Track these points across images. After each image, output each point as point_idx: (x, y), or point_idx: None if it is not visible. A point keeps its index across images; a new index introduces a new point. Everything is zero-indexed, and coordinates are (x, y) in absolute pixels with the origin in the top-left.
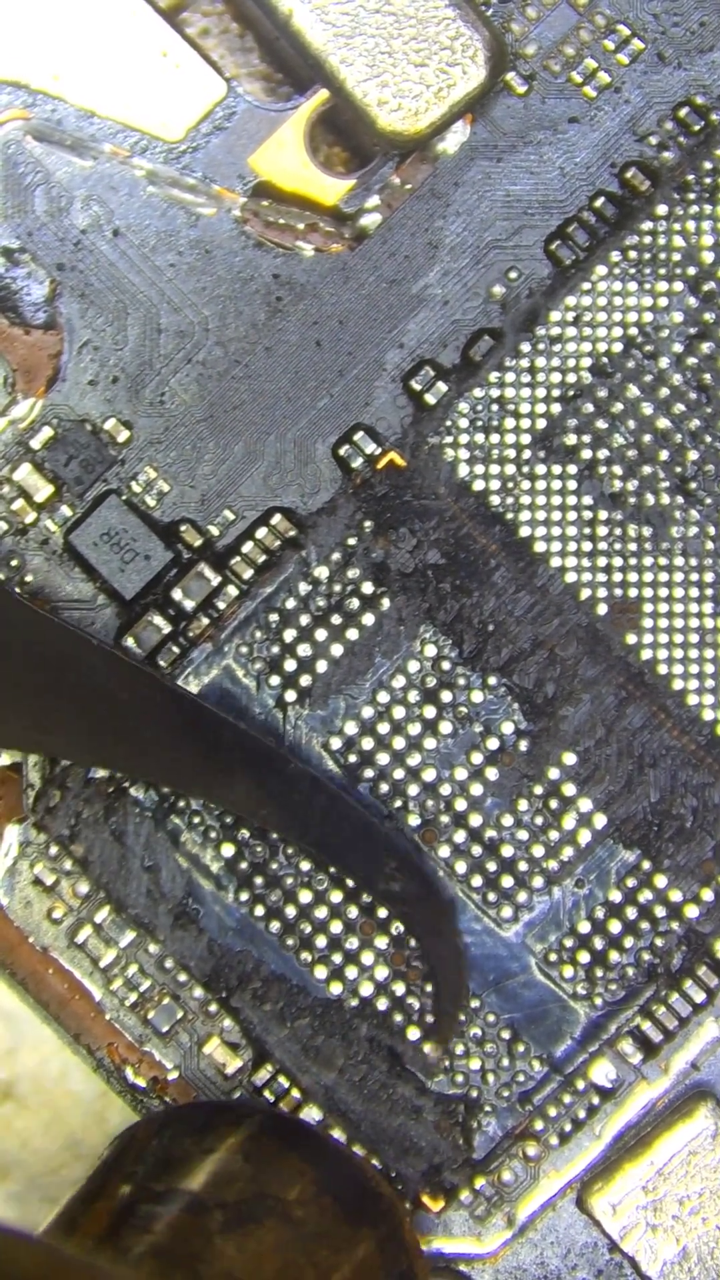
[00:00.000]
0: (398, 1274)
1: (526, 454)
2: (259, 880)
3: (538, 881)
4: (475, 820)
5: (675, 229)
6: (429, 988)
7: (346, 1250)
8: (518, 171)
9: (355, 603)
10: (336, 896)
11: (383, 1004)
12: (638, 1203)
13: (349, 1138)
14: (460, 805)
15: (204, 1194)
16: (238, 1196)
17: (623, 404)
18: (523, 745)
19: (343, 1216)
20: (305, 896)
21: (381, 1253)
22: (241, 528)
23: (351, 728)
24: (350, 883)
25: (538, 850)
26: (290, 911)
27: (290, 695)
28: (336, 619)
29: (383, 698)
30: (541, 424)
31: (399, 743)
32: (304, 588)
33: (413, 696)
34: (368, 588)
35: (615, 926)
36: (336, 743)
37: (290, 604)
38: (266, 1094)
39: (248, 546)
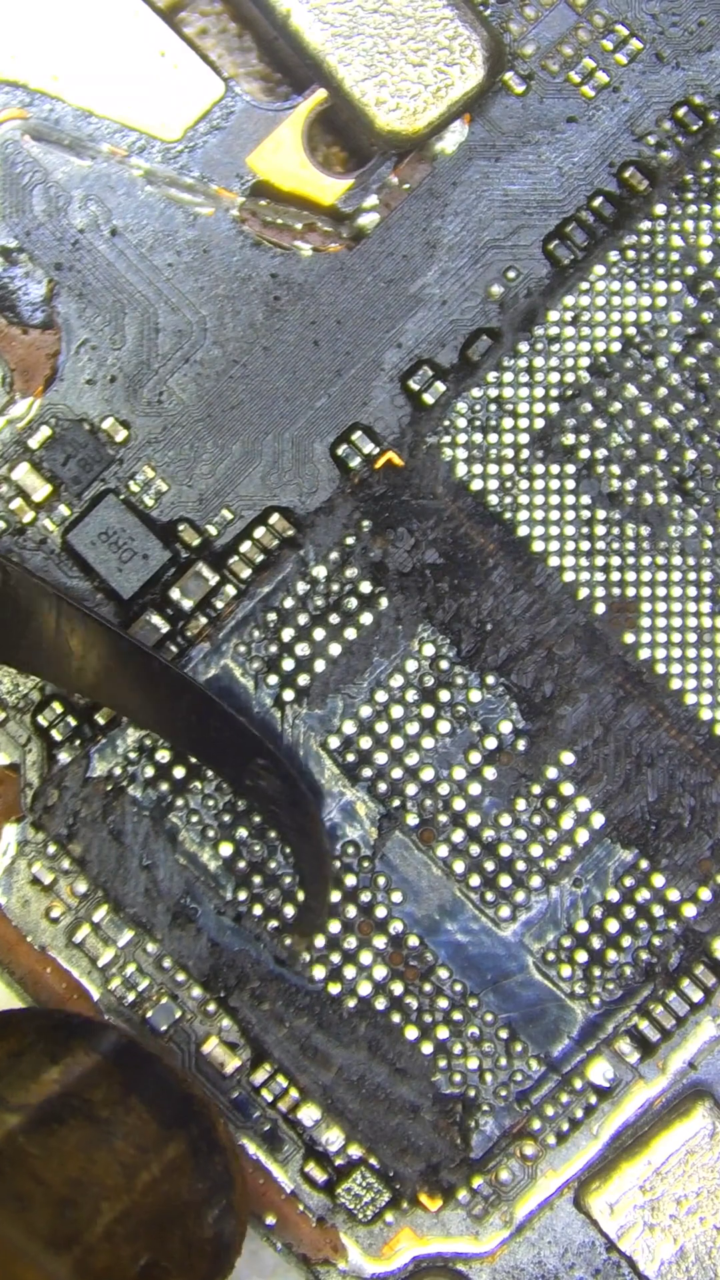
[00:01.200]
0: (213, 1176)
1: (525, 453)
2: (257, 879)
3: (535, 881)
4: (473, 819)
5: (673, 229)
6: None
7: (155, 1150)
8: (516, 171)
9: (353, 602)
10: (334, 896)
11: (381, 1003)
12: (635, 1202)
13: (347, 1137)
14: (458, 804)
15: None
16: (39, 1098)
17: (621, 403)
18: (521, 744)
19: (151, 1117)
20: (303, 895)
21: (194, 1154)
22: (239, 527)
23: (350, 727)
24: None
25: (535, 849)
26: (288, 910)
27: (288, 694)
28: (334, 618)
29: (381, 697)
30: (540, 423)
31: (397, 742)
32: (302, 587)
33: (411, 696)
34: (366, 587)
35: (613, 926)
36: (334, 742)
37: (288, 603)
38: (265, 1093)
39: (246, 546)
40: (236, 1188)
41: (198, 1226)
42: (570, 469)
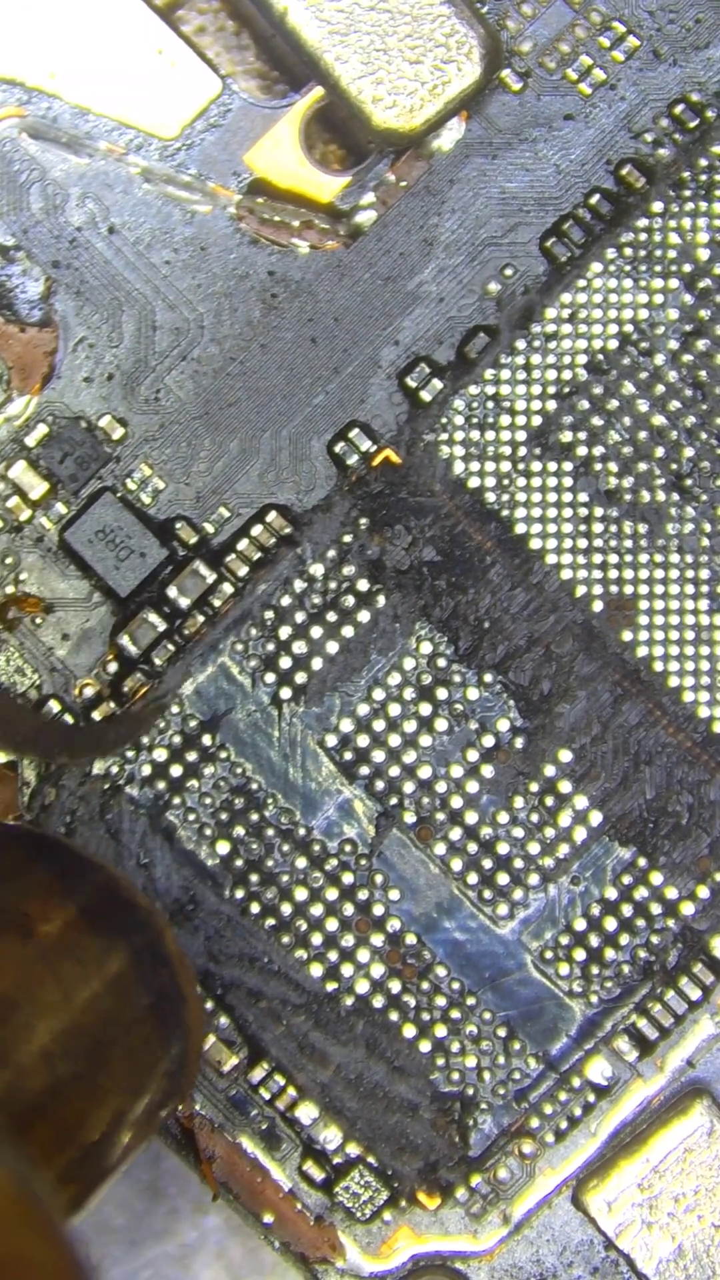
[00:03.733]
0: (157, 988)
1: (522, 451)
2: (254, 877)
3: (533, 879)
4: (471, 817)
5: (671, 226)
6: None
7: (96, 964)
8: (513, 169)
9: (351, 600)
10: (332, 894)
11: (379, 1001)
12: (633, 1200)
13: (345, 1135)
14: (456, 802)
15: None
16: None
17: (618, 401)
18: (519, 742)
19: (91, 929)
20: (300, 893)
21: (138, 965)
22: (237, 525)
23: (347, 725)
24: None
25: (533, 847)
26: (286, 909)
27: (286, 693)
28: (332, 616)
29: (378, 695)
30: (537, 421)
31: (394, 740)
32: (299, 585)
33: (408, 694)
34: (363, 585)
35: (611, 924)
36: (332, 740)
37: (285, 601)
38: (262, 1091)
39: (243, 544)
40: (188, 1002)
41: (144, 1045)
42: (568, 466)
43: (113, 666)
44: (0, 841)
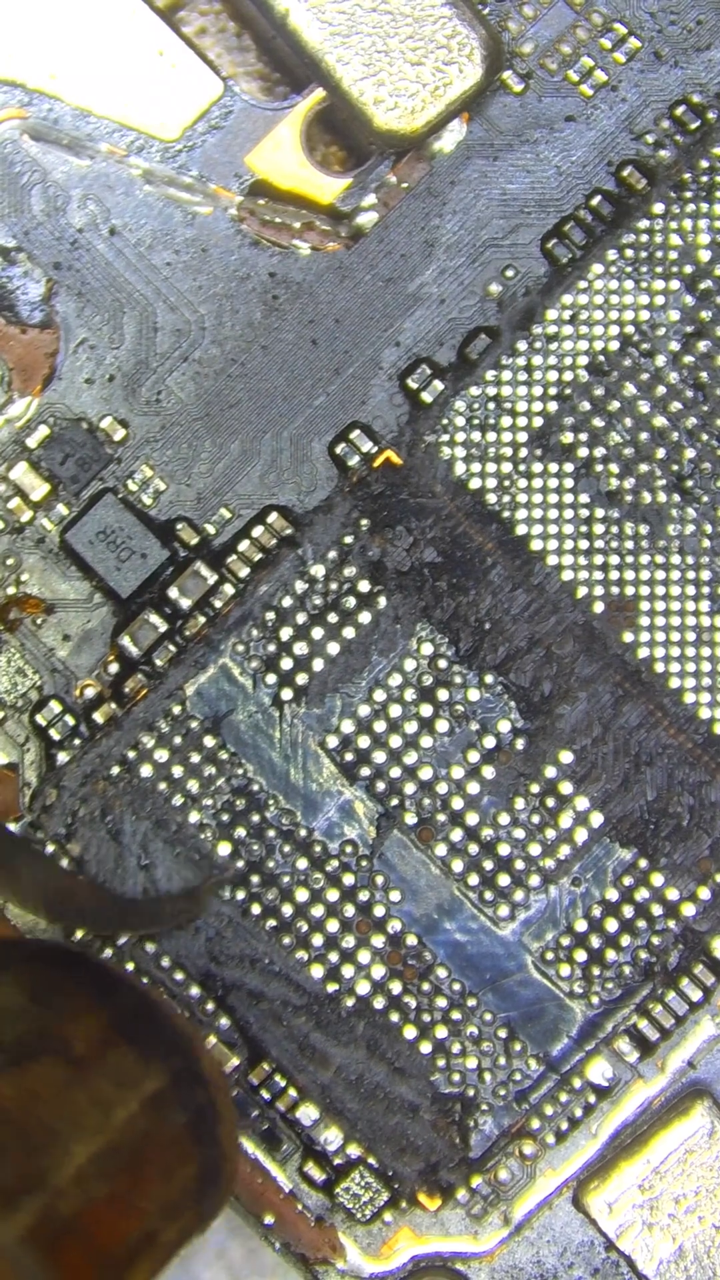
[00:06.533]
0: (195, 1109)
1: (523, 452)
2: (255, 878)
3: (534, 880)
4: (472, 819)
5: (672, 227)
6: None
7: (133, 1084)
8: (514, 170)
9: (352, 601)
10: (333, 895)
11: (379, 1002)
12: (634, 1201)
13: (345, 1136)
14: (457, 804)
15: None
16: (16, 1035)
17: (619, 402)
18: (519, 743)
19: (126, 1046)
20: (301, 895)
21: (175, 1087)
22: (238, 526)
23: (348, 726)
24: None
25: (534, 849)
26: (286, 910)
27: (287, 694)
28: (333, 617)
29: (379, 696)
30: (538, 422)
31: (396, 741)
32: (300, 586)
33: (409, 695)
34: (364, 586)
35: (612, 925)
36: (333, 741)
37: (287, 602)
38: (263, 1092)
39: (244, 545)
40: (223, 1121)
41: (180, 1163)
42: (569, 467)
43: (114, 667)
44: (33, 959)
